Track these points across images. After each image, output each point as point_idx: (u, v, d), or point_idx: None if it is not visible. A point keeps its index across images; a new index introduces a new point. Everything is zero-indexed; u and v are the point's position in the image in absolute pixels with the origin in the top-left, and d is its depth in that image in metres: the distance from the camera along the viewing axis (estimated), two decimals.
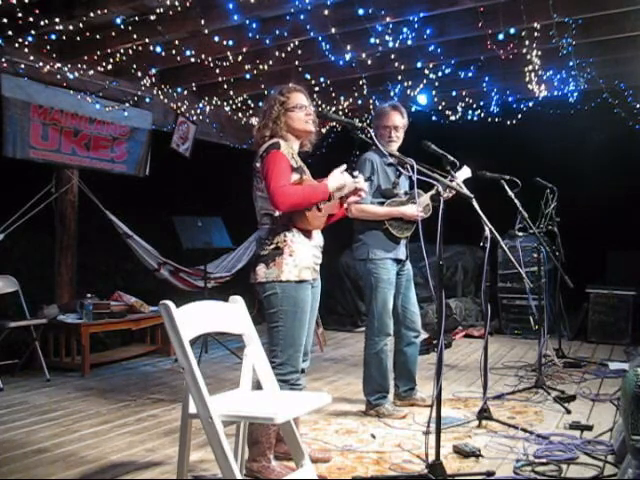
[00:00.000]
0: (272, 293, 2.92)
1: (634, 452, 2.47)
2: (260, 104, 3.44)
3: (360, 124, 3.01)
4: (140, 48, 5.30)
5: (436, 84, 6.35)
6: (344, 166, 3.00)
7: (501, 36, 4.97)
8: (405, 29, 5.05)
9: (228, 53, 5.42)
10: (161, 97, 6.50)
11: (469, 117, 7.37)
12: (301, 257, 2.93)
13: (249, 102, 7.11)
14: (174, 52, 5.37)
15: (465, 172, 3.98)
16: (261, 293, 2.97)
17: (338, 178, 2.94)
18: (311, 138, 3.14)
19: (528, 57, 5.42)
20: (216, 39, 5.14)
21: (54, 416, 4.07)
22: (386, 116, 4.01)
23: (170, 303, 2.27)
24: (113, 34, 5.05)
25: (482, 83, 6.41)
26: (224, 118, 7.53)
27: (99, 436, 3.65)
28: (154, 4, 4.64)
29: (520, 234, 4.97)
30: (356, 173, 3.12)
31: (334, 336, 7.35)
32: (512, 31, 4.96)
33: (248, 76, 6.00)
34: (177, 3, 4.60)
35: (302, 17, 4.79)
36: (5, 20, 4.70)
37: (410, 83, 6.41)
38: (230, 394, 2.60)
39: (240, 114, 7.65)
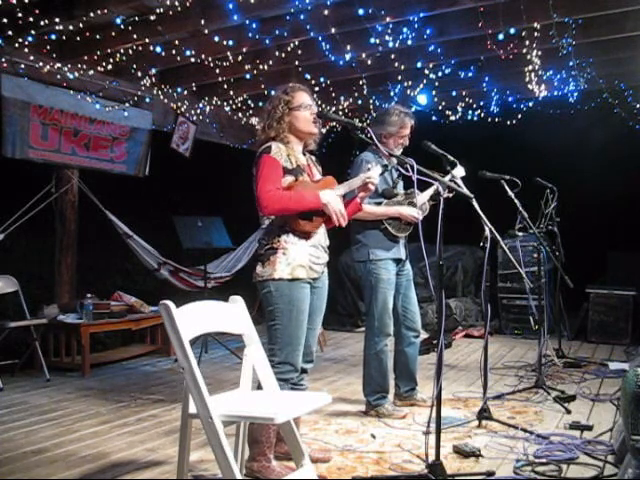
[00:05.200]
0: (267, 291, 2.95)
1: (634, 452, 2.47)
2: (260, 104, 3.44)
3: (360, 124, 3.02)
4: (140, 48, 5.30)
5: (436, 84, 6.35)
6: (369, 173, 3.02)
7: (501, 36, 4.98)
8: (405, 29, 5.06)
9: (228, 53, 5.42)
10: (161, 97, 6.50)
11: (469, 117, 7.37)
12: (294, 256, 2.93)
13: (249, 102, 7.11)
14: (174, 52, 5.37)
15: (459, 171, 3.95)
16: (260, 291, 3.01)
17: (333, 194, 2.95)
18: (315, 138, 3.14)
19: (528, 57, 5.42)
20: (216, 39, 5.14)
21: (54, 416, 4.06)
22: (405, 125, 4.06)
23: (170, 303, 2.27)
24: (113, 34, 5.05)
25: (482, 83, 6.40)
26: (224, 118, 7.53)
27: (99, 436, 3.65)
28: (154, 4, 4.65)
29: (520, 234, 4.96)
30: (370, 166, 3.12)
31: (334, 336, 7.35)
32: (512, 31, 4.97)
33: (248, 76, 6.00)
34: (177, 3, 4.61)
35: (302, 17, 4.80)
36: (5, 20, 4.70)
37: (410, 83, 6.41)
38: (230, 394, 2.60)
39: (240, 114, 7.65)
